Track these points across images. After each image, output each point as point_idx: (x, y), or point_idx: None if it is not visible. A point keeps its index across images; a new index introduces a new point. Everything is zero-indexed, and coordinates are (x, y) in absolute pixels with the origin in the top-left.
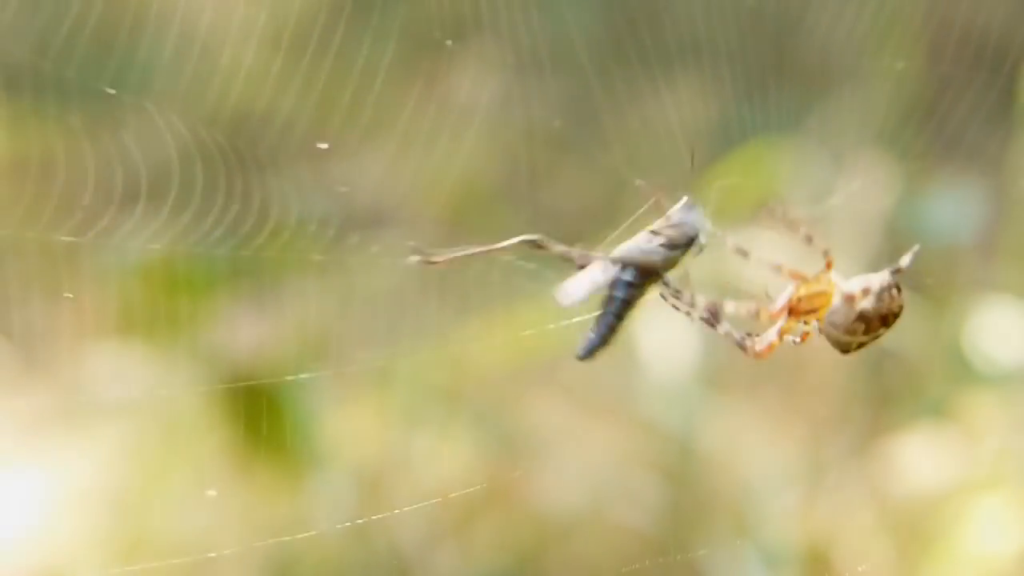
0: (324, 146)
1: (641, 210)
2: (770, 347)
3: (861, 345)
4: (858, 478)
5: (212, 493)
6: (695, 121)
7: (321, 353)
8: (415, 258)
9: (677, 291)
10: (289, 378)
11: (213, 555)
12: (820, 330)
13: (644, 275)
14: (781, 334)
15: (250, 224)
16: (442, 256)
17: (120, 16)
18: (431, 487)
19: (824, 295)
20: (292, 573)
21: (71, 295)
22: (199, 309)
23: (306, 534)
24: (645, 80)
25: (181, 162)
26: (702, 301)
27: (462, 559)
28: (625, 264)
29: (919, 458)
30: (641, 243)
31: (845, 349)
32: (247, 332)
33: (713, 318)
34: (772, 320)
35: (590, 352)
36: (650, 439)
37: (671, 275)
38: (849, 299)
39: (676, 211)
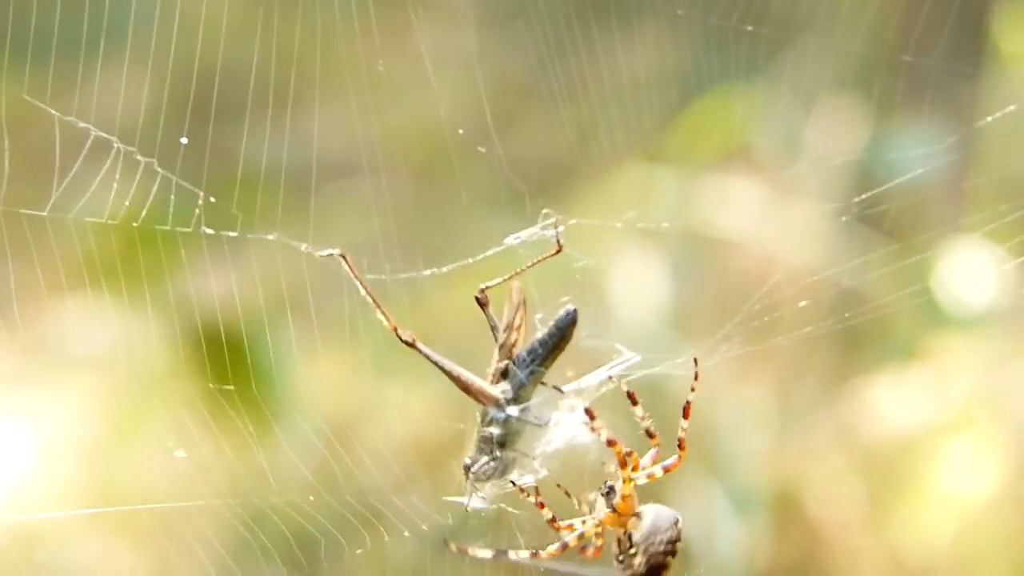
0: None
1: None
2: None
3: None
4: (828, 421)
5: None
6: (664, 67)
7: (290, 304)
8: None
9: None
10: (259, 329)
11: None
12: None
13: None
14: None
15: (219, 174)
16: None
17: None
18: (402, 435)
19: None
20: (263, 521)
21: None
22: (168, 262)
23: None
24: (615, 28)
25: (148, 114)
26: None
27: (433, 505)
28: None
29: (889, 400)
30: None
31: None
32: (216, 283)
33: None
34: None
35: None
36: (618, 383)
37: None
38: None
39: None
